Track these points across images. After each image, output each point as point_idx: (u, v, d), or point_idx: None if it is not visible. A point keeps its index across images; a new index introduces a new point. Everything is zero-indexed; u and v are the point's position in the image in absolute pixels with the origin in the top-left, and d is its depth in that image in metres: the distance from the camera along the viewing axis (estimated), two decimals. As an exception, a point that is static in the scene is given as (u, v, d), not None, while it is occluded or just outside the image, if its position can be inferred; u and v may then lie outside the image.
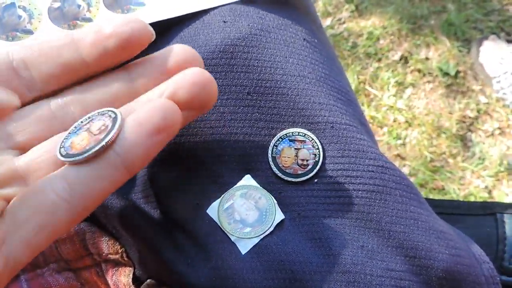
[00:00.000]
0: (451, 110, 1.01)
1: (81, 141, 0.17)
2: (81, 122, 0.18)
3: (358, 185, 0.24)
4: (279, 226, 0.23)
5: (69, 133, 0.18)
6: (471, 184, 0.97)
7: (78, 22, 0.26)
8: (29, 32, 0.26)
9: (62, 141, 0.18)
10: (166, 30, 0.27)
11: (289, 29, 0.27)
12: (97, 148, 0.16)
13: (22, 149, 0.18)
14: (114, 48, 0.18)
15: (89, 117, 0.18)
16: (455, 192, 0.95)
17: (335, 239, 0.23)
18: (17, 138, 0.18)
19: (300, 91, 0.25)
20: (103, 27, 0.18)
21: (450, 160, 0.98)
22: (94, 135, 0.17)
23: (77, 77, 0.18)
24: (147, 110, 0.17)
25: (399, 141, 0.99)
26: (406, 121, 1.00)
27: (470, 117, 1.00)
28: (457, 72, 1.03)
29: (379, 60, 1.06)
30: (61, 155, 0.17)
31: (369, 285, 0.22)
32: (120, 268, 0.26)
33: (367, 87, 1.04)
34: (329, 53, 0.30)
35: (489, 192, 0.96)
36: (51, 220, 0.16)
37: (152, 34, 0.18)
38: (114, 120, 0.17)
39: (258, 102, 0.26)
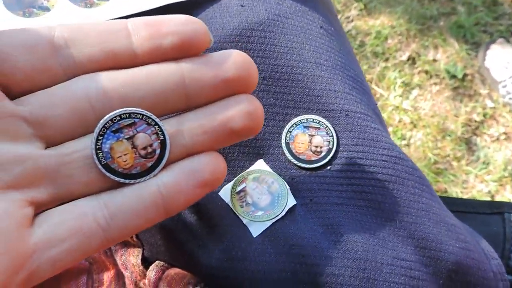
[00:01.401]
0: (457, 113, 1.00)
1: (123, 155, 0.17)
2: (120, 116, 0.16)
3: (371, 174, 0.24)
4: (290, 211, 0.23)
5: (106, 127, 0.16)
6: (474, 188, 0.97)
7: (34, 10, 0.26)
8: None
9: (97, 139, 0.16)
10: (182, 12, 0.27)
11: (306, 16, 0.27)
12: (142, 179, 0.17)
13: (51, 141, 0.16)
14: (170, 46, 0.17)
15: (129, 114, 0.16)
16: (458, 195, 0.95)
17: (347, 225, 0.23)
18: (46, 127, 0.16)
19: (315, 78, 0.25)
20: (163, 23, 0.17)
21: (454, 163, 0.98)
22: (140, 155, 0.17)
23: (119, 65, 0.17)
24: (199, 161, 0.17)
25: (404, 142, 0.99)
26: (411, 122, 1.00)
27: (476, 121, 1.00)
28: (465, 75, 1.02)
29: (387, 59, 1.06)
30: (100, 163, 0.16)
31: (379, 272, 0.22)
32: (129, 249, 0.26)
33: (373, 86, 1.04)
34: (345, 42, 0.30)
35: (492, 197, 0.96)
36: (85, 245, 0.16)
37: (211, 40, 0.17)
38: (163, 146, 0.17)
39: (273, 87, 0.25)
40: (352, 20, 1.11)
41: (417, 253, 0.23)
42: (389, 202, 0.24)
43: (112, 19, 0.25)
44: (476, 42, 1.04)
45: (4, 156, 0.15)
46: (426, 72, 1.03)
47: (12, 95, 0.16)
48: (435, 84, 1.03)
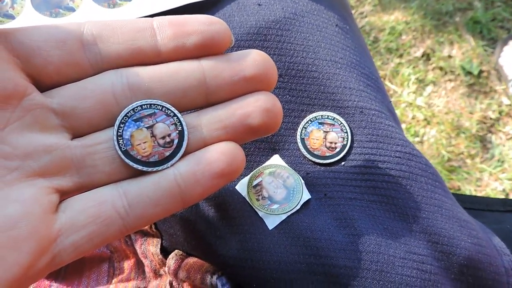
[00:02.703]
0: (472, 110, 0.99)
1: (143, 143, 0.17)
2: (141, 107, 0.17)
3: (384, 170, 0.25)
4: (305, 205, 0.24)
5: (128, 116, 0.17)
6: (488, 186, 0.96)
7: (60, 10, 0.27)
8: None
9: (119, 126, 0.17)
10: (201, 11, 0.28)
11: (322, 14, 0.28)
12: (160, 168, 0.17)
13: (77, 132, 0.17)
14: (193, 45, 0.17)
15: (149, 105, 0.17)
16: (471, 193, 0.94)
17: (360, 220, 0.24)
18: (73, 118, 0.17)
19: (330, 76, 0.26)
20: (187, 23, 0.17)
21: (468, 161, 0.97)
22: (159, 144, 0.17)
23: (144, 62, 0.17)
24: (217, 151, 0.17)
25: (417, 139, 0.98)
26: (425, 119, 1.00)
27: (491, 118, 0.99)
28: (480, 71, 1.01)
29: (401, 56, 1.05)
30: (121, 149, 0.17)
31: (391, 265, 0.22)
32: (149, 239, 0.27)
33: (386, 82, 1.03)
34: (360, 39, 0.30)
35: (507, 195, 0.94)
36: (104, 232, 0.17)
37: (232, 40, 0.18)
38: (181, 136, 0.17)
39: (289, 84, 0.26)
40: (366, 16, 1.10)
41: (429, 247, 0.24)
42: (402, 197, 0.24)
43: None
44: (493, 38, 1.03)
45: (33, 145, 0.16)
46: (441, 68, 1.02)
47: (42, 88, 0.17)
48: (450, 80, 1.02)
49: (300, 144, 0.26)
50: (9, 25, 0.26)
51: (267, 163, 0.25)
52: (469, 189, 0.94)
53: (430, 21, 1.06)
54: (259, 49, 0.26)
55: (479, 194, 0.94)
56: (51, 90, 0.17)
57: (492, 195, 0.94)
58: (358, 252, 0.23)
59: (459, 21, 1.05)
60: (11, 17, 0.26)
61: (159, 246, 0.27)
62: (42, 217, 0.16)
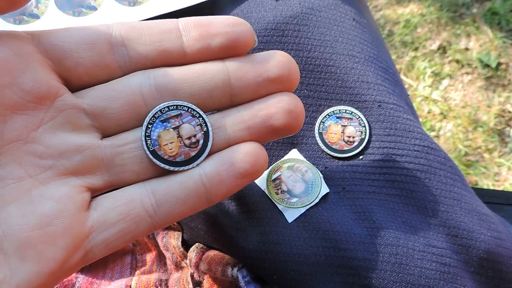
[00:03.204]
0: (490, 104, 0.97)
1: (170, 143, 0.18)
2: (168, 108, 0.18)
3: (403, 164, 0.25)
4: (324, 198, 0.24)
5: (155, 117, 0.18)
6: (507, 181, 0.94)
7: (82, 9, 0.27)
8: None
9: (147, 127, 0.17)
10: (220, 8, 0.28)
11: (339, 8, 0.28)
12: (186, 167, 0.18)
13: (107, 131, 0.18)
14: (218, 47, 0.17)
15: (176, 106, 0.18)
16: (489, 188, 0.93)
17: (379, 213, 0.24)
18: (103, 119, 0.17)
19: (348, 70, 0.26)
20: (212, 24, 0.17)
21: (486, 155, 0.96)
22: (185, 145, 0.18)
23: (170, 63, 0.18)
24: (241, 152, 0.18)
25: (433, 133, 0.97)
26: (441, 113, 0.98)
27: (509, 112, 0.97)
28: (499, 64, 0.99)
29: (416, 49, 1.03)
30: (148, 149, 0.17)
31: (411, 258, 0.22)
32: (170, 232, 0.28)
33: (401, 76, 1.02)
34: (377, 33, 0.30)
35: (525, 190, 0.93)
36: (134, 230, 0.17)
37: (255, 41, 0.18)
38: (206, 137, 0.18)
39: (307, 79, 0.26)
40: (380, 9, 1.09)
41: (449, 240, 0.24)
42: (420, 191, 0.24)
43: (155, 16, 0.27)
44: (512, 29, 1.00)
45: (66, 145, 0.17)
46: (458, 61, 1.01)
47: (72, 89, 0.17)
48: (467, 73, 1.00)
49: (318, 139, 0.26)
50: (34, 24, 0.27)
51: (286, 157, 0.26)
52: (486, 184, 0.93)
53: (446, 13, 1.04)
54: (277, 45, 0.27)
55: (497, 189, 0.92)
56: (82, 91, 0.17)
57: (511, 190, 0.92)
58: (377, 245, 0.23)
59: (476, 13, 1.03)
60: (36, 16, 0.27)
61: (180, 239, 0.27)
62: (76, 215, 0.16)
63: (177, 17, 0.18)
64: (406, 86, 1.02)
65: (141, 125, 0.18)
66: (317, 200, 0.24)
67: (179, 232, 0.28)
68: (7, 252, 0.15)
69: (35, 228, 0.15)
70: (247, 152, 0.18)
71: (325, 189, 0.24)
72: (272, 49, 0.26)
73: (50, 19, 0.27)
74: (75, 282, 0.27)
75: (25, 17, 0.27)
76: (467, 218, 0.24)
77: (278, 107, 0.18)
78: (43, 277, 0.15)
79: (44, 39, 0.17)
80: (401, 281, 0.22)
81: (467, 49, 1.01)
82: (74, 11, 0.27)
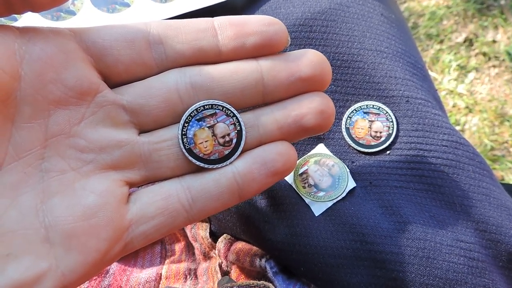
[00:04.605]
0: (518, 97, 0.95)
1: (205, 141, 0.18)
2: (204, 107, 0.18)
3: (431, 159, 0.25)
4: (351, 192, 0.25)
5: (191, 116, 0.18)
6: (534, 177, 0.92)
7: (116, 6, 0.28)
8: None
9: (184, 125, 0.18)
10: (249, 3, 0.29)
11: (367, 3, 0.28)
12: (219, 165, 0.18)
13: (144, 128, 0.18)
14: (252, 46, 0.18)
15: (211, 106, 0.18)
16: (516, 183, 0.90)
17: (406, 207, 0.24)
18: (141, 115, 0.18)
19: (376, 65, 0.26)
20: (247, 23, 0.18)
21: (512, 150, 0.93)
22: (219, 143, 0.18)
23: (205, 61, 0.18)
24: (272, 151, 0.18)
25: (458, 127, 0.95)
26: (467, 107, 0.96)
27: (538, 106, 0.94)
28: (528, 56, 0.96)
29: (441, 42, 1.01)
30: (185, 147, 0.18)
31: (438, 252, 0.23)
32: (198, 223, 0.29)
33: (426, 70, 1.00)
34: (405, 28, 0.30)
35: (554, 186, 0.90)
36: (171, 223, 0.18)
37: (288, 40, 0.18)
38: (239, 136, 0.18)
39: (335, 74, 0.27)
40: (405, 1, 1.06)
41: (477, 235, 0.24)
42: (448, 186, 0.24)
43: (187, 12, 0.27)
44: (543, 20, 0.97)
45: (106, 140, 0.17)
46: (484, 54, 0.98)
47: (111, 85, 0.18)
48: (494, 66, 0.97)
49: (345, 133, 0.26)
50: (70, 20, 0.28)
51: (312, 152, 0.26)
52: (513, 180, 0.91)
53: (473, 4, 1.01)
54: (305, 40, 0.27)
55: (524, 185, 0.90)
56: (120, 87, 0.18)
57: (538, 186, 0.89)
58: (404, 239, 0.23)
59: (504, 4, 0.99)
60: (72, 13, 0.28)
61: (208, 230, 0.28)
62: (117, 208, 0.17)
63: (209, 14, 0.18)
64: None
65: (176, 122, 0.18)
66: (344, 195, 0.24)
67: (207, 224, 0.29)
68: (53, 242, 0.16)
69: (80, 219, 0.16)
70: (278, 152, 0.18)
71: (352, 184, 0.25)
72: (300, 44, 0.27)
73: (86, 16, 0.28)
74: (109, 269, 0.28)
75: (62, 13, 0.28)
76: (496, 213, 0.24)
77: (310, 107, 0.18)
78: (87, 266, 0.16)
79: (86, 36, 0.17)
80: (429, 275, 0.22)
81: (494, 41, 0.98)
82: (108, 7, 0.28)
